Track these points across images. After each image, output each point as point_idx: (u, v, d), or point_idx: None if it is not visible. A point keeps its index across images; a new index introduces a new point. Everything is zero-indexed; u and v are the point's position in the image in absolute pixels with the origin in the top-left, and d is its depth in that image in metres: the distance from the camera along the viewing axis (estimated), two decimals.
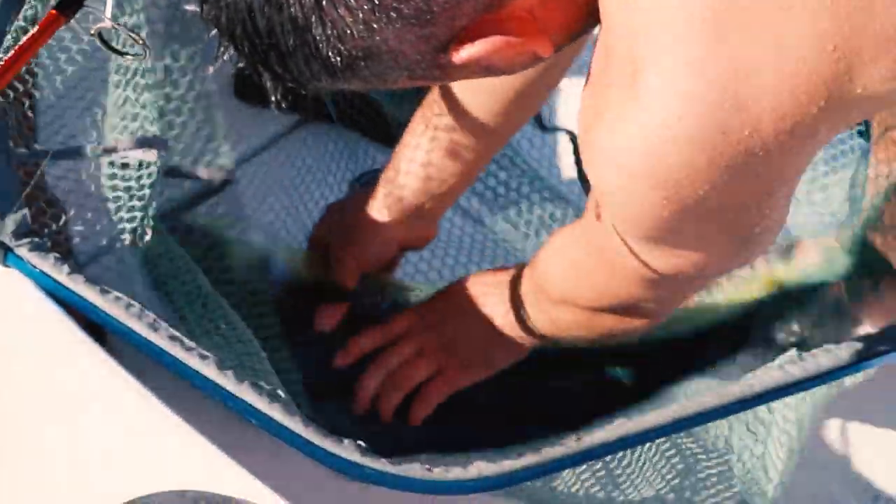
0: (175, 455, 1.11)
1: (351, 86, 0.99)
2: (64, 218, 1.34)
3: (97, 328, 1.15)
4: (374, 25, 0.90)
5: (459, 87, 1.42)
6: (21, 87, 1.27)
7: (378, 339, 1.45)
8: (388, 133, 1.76)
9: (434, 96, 1.45)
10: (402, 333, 1.45)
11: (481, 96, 1.42)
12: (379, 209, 1.51)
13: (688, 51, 0.86)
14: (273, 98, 1.02)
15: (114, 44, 1.12)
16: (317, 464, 1.34)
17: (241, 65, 1.65)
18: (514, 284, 1.38)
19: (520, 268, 1.39)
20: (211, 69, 1.41)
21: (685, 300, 1.31)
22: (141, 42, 1.12)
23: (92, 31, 1.10)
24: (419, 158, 1.48)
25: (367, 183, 1.57)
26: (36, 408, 1.14)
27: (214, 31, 0.98)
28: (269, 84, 0.99)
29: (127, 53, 1.14)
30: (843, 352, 1.20)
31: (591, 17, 0.97)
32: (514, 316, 1.39)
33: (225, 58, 1.49)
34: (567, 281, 1.26)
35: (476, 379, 1.43)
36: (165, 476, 1.09)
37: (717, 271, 1.15)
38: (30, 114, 1.28)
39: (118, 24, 1.10)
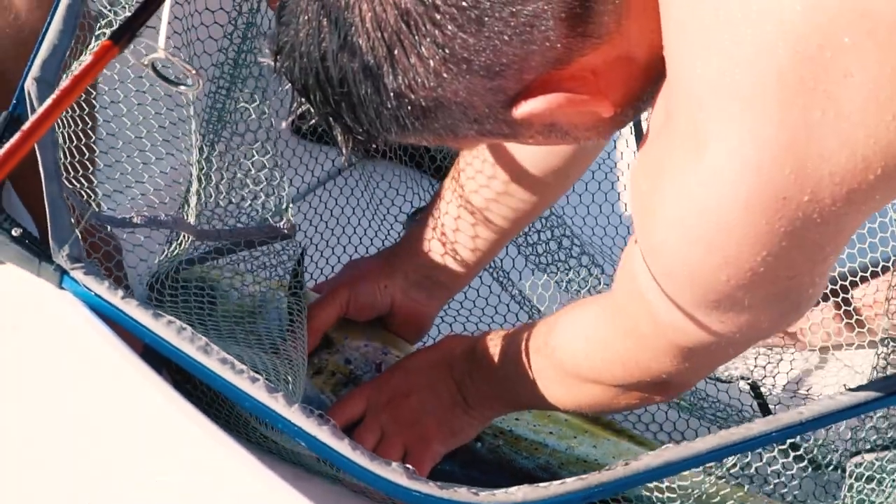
0: (228, 477, 1.12)
1: (423, 139, 1.01)
2: (118, 258, 1.36)
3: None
4: (445, 75, 0.93)
5: (497, 154, 1.43)
6: (80, 123, 1.29)
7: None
8: (444, 168, 1.77)
9: (467, 159, 1.46)
10: (358, 413, 1.42)
11: (525, 157, 1.42)
12: (388, 267, 1.52)
13: (754, 117, 0.87)
14: (344, 152, 1.03)
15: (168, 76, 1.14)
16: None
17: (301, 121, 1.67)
18: (497, 357, 1.35)
19: (499, 337, 1.37)
20: (284, 124, 1.43)
21: (714, 369, 1.29)
22: (194, 73, 1.14)
23: (145, 62, 1.12)
24: (444, 224, 1.49)
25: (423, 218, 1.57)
26: (87, 432, 1.15)
27: (288, 86, 1.00)
28: (339, 138, 1.01)
29: (180, 84, 1.15)
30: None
31: (653, 84, 0.98)
32: (488, 389, 1.37)
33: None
34: (593, 360, 1.23)
35: (449, 449, 1.42)
36: (219, 499, 1.11)
37: (760, 336, 1.13)
38: (85, 150, 1.29)
39: (172, 56, 1.11)
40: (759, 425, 1.17)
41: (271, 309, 1.44)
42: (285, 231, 1.45)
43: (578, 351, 1.25)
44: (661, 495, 1.29)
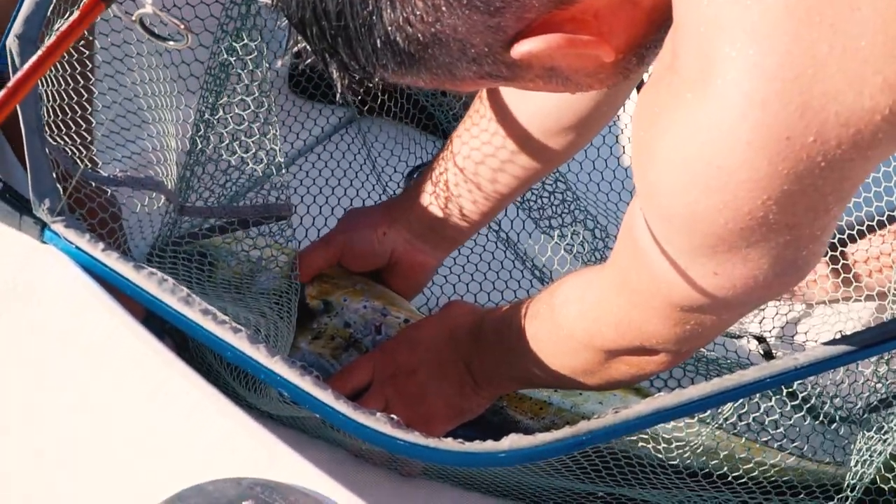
0: (230, 442, 1.11)
1: (419, 79, 0.99)
2: (101, 215, 1.36)
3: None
4: (444, 9, 0.91)
5: (514, 103, 1.41)
6: (71, 82, 1.28)
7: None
8: (443, 125, 1.76)
9: (474, 118, 1.44)
10: (363, 382, 1.41)
11: (536, 117, 1.40)
12: (389, 215, 1.50)
13: (760, 49, 0.84)
14: (338, 89, 1.02)
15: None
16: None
17: (297, 60, 1.66)
18: (502, 329, 1.33)
19: (504, 309, 1.35)
20: (280, 62, 1.41)
21: (707, 341, 1.24)
22: (183, 27, 1.13)
23: (133, 17, 1.12)
24: (448, 179, 1.47)
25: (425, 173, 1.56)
26: (77, 391, 1.15)
27: (284, 22, 0.99)
28: (335, 75, 0.99)
29: (169, 39, 1.14)
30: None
31: (658, 30, 0.96)
32: (495, 365, 1.35)
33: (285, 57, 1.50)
34: (587, 319, 1.21)
35: (449, 429, 1.40)
36: (221, 463, 1.09)
37: (755, 299, 1.08)
38: (77, 108, 1.29)
39: (160, 10, 1.11)
40: (753, 372, 1.15)
41: (264, 278, 1.44)
42: (282, 211, 1.45)
43: (574, 311, 1.23)
44: (657, 446, 1.28)
